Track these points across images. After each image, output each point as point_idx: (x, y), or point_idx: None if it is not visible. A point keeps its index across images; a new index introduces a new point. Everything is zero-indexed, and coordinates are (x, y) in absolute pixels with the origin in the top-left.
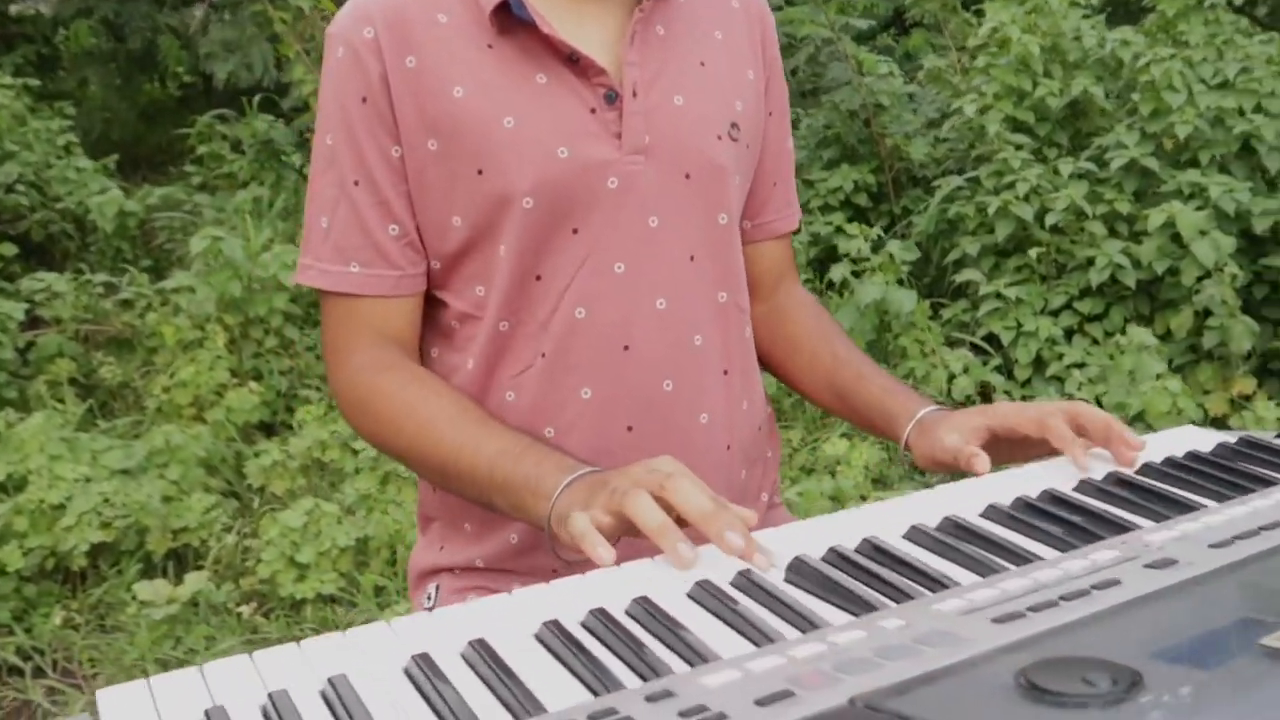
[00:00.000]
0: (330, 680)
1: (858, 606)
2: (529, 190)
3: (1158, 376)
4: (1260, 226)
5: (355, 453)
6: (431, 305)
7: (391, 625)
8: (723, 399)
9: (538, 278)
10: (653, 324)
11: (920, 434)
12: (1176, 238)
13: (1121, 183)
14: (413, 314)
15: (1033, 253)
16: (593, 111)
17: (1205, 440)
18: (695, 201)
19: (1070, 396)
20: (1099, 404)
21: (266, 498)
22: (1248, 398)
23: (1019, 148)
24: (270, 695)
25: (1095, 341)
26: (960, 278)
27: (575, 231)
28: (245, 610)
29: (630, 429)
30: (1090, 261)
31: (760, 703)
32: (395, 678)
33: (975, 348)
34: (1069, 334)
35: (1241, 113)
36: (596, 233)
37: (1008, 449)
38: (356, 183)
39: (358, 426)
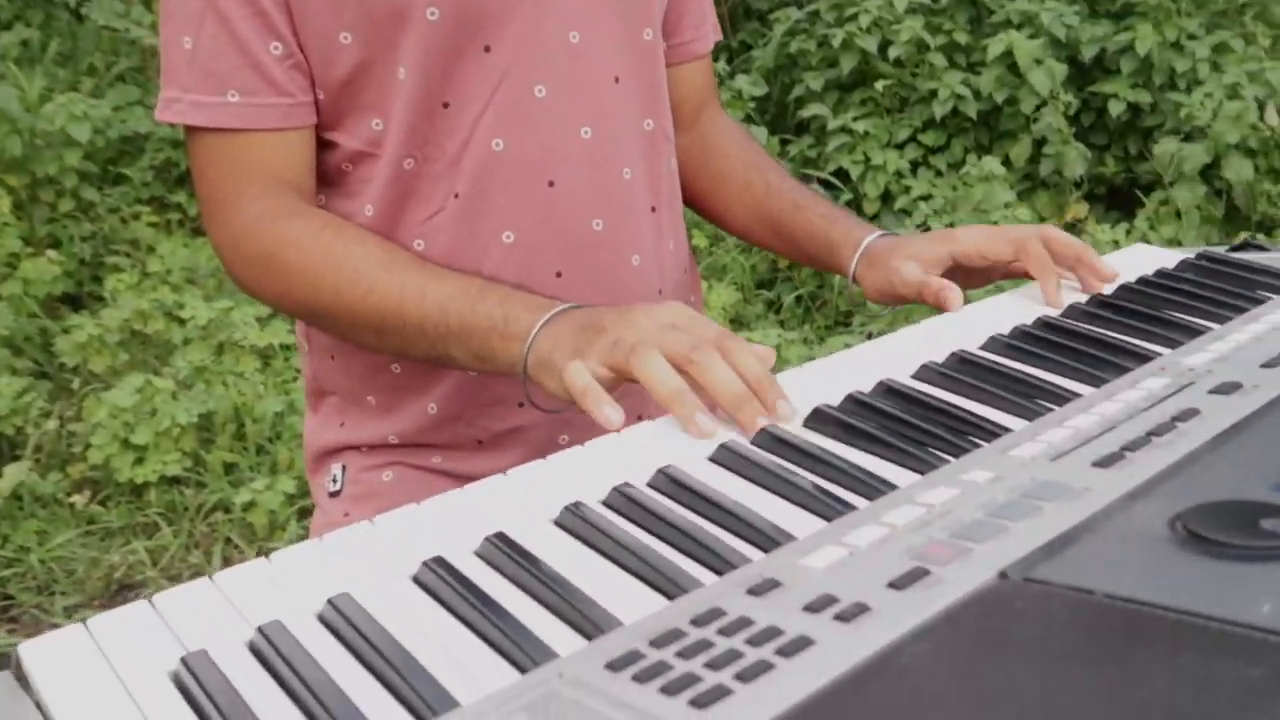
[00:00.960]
0: (330, 602)
1: (916, 461)
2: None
3: (1006, 205)
4: (1088, 54)
5: (182, 322)
6: (317, 147)
7: (374, 523)
8: (652, 238)
9: (445, 105)
10: (578, 156)
11: (869, 264)
12: (1013, 68)
13: (955, 14)
14: (307, 150)
15: (879, 85)
16: None
17: (1164, 258)
18: (618, 13)
19: (923, 227)
20: None
21: (85, 377)
22: (1081, 221)
23: None
24: (261, 630)
25: (939, 173)
26: (806, 113)
27: (487, 49)
28: (78, 500)
29: (559, 275)
30: (933, 94)
31: (896, 585)
32: (406, 592)
33: (824, 183)
34: (914, 166)
35: None
36: (512, 50)
37: (964, 278)
38: None
39: (257, 286)
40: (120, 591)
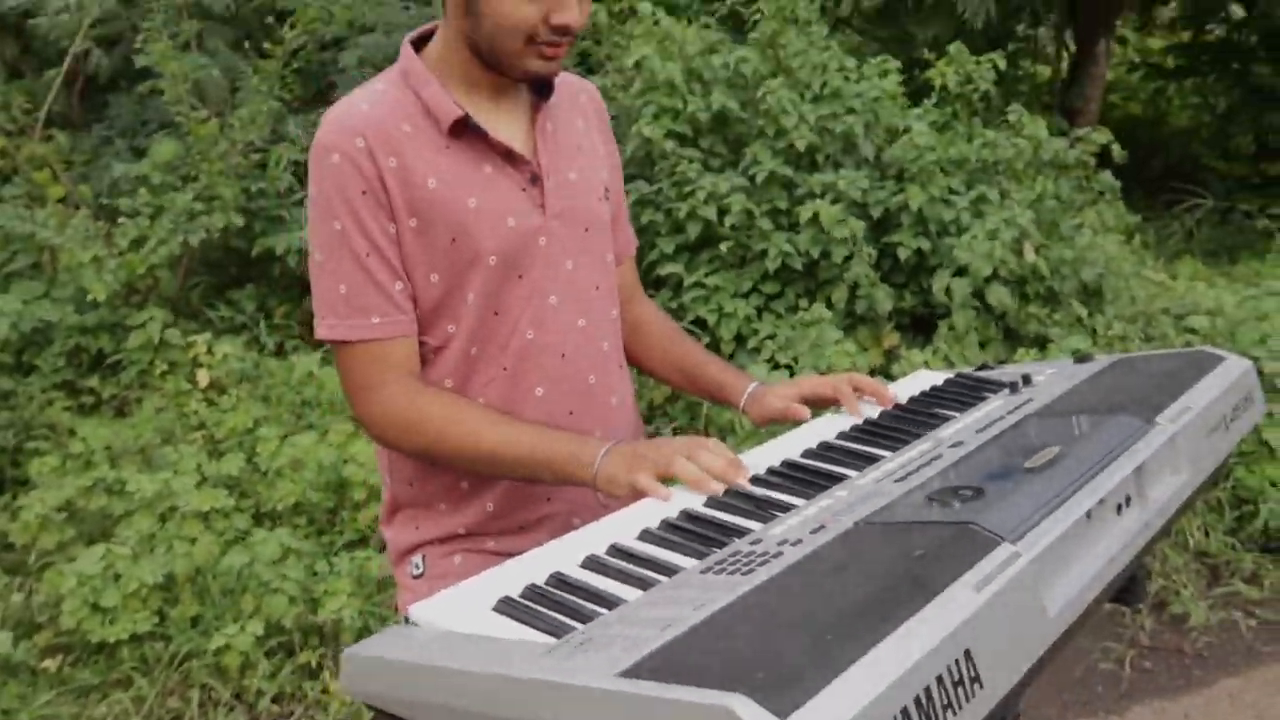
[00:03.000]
0: (555, 575)
1: (819, 485)
2: (493, 250)
3: (836, 341)
4: (876, 213)
5: (129, 495)
6: None
7: (531, 555)
8: (620, 385)
9: (495, 313)
10: (579, 337)
11: (752, 402)
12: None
13: (771, 188)
14: (415, 348)
15: (723, 246)
16: (523, 190)
17: (936, 378)
18: (594, 247)
19: (773, 363)
20: (791, 368)
21: (38, 553)
22: (895, 347)
23: (692, 161)
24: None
25: (780, 316)
26: (663, 271)
27: (521, 277)
28: (50, 664)
29: (571, 413)
30: (764, 252)
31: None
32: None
33: (686, 330)
34: (760, 311)
35: (835, 115)
36: (536, 277)
37: (810, 406)
38: (368, 254)
39: (400, 443)
40: None
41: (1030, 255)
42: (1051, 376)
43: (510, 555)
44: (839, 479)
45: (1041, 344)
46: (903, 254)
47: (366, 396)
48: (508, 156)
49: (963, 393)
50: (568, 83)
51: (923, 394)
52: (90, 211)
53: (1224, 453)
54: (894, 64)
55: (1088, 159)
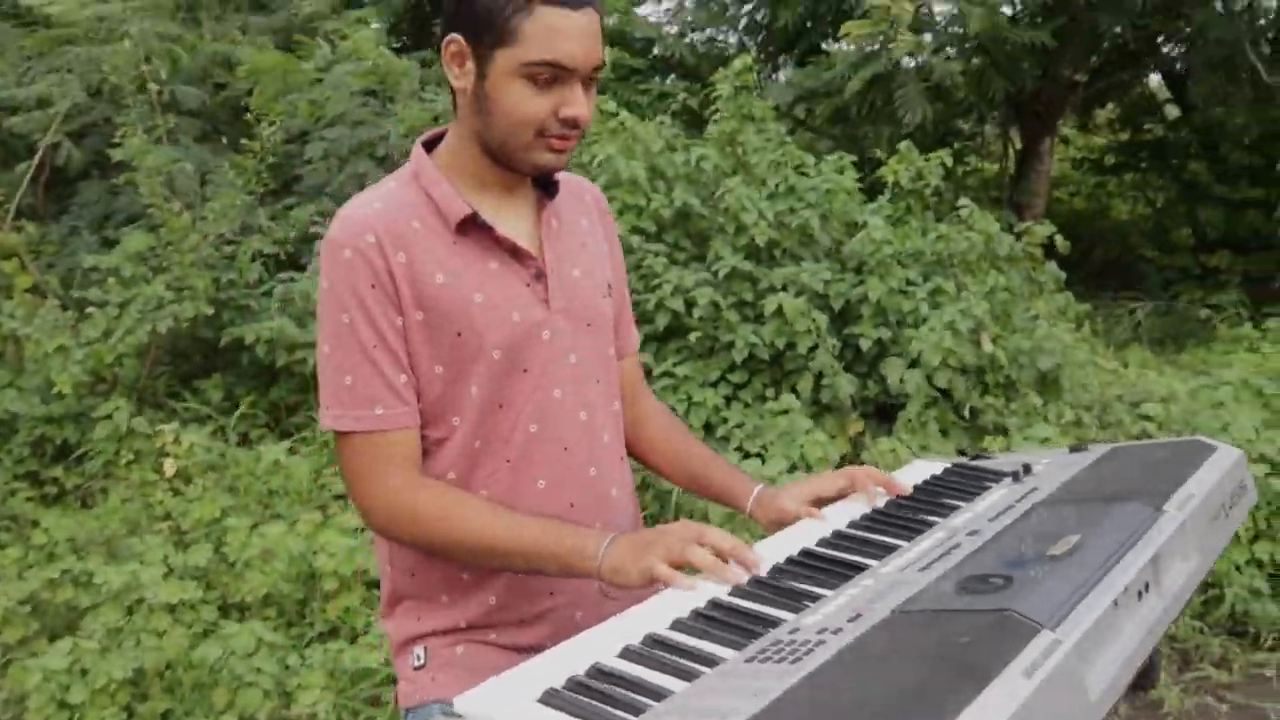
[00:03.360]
0: (595, 667)
1: (843, 574)
2: (497, 344)
3: (806, 431)
4: (837, 305)
5: (95, 587)
6: None
7: (565, 647)
8: (621, 476)
9: (499, 406)
10: (580, 430)
11: (760, 505)
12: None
13: (733, 281)
14: (418, 441)
15: (691, 336)
16: (528, 285)
17: (935, 467)
18: (596, 342)
19: (742, 451)
20: (761, 456)
21: (1, 648)
22: (861, 434)
23: (658, 255)
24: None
25: (747, 405)
26: None
27: (525, 371)
28: None
29: (572, 505)
30: (731, 343)
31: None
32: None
33: None
34: (728, 400)
35: (792, 210)
36: (541, 370)
37: (820, 504)
38: (375, 346)
39: (401, 534)
40: None
41: (988, 346)
42: (1050, 465)
43: (514, 648)
44: (861, 568)
45: (1002, 432)
46: (864, 344)
47: (369, 487)
48: (514, 252)
49: (966, 482)
50: (572, 182)
51: (926, 483)
52: (58, 301)
53: (1225, 540)
54: (849, 159)
55: (1034, 250)
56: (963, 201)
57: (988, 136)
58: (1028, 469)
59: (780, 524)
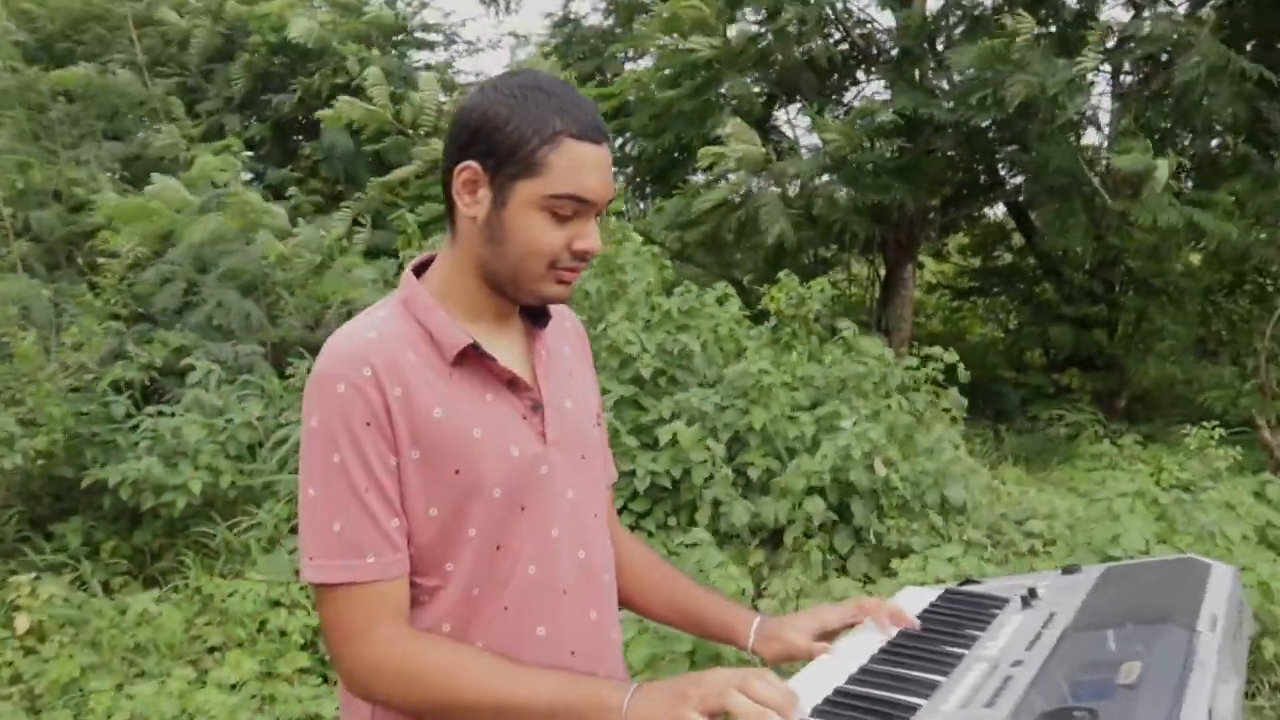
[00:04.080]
0: None
1: (896, 717)
2: (498, 482)
3: (718, 564)
4: (725, 435)
5: None
6: None
7: None
8: (615, 619)
9: (497, 548)
10: (579, 571)
11: (764, 639)
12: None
13: (624, 409)
14: (408, 591)
15: None
16: (524, 418)
17: (927, 594)
18: (590, 475)
19: None
20: None
21: None
22: (759, 565)
23: None
24: None
25: (651, 534)
26: None
27: (523, 509)
28: None
29: (573, 653)
30: (633, 472)
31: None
32: None
33: None
34: (632, 529)
35: (671, 335)
36: (539, 508)
37: (825, 638)
38: (367, 490)
39: (391, 693)
40: None
41: (881, 470)
42: (1052, 589)
43: None
44: (912, 708)
45: (904, 554)
46: (754, 473)
47: (356, 646)
48: (511, 384)
49: (972, 610)
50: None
51: (930, 612)
52: None
53: (1244, 657)
54: (730, 290)
55: (936, 375)
56: (845, 324)
57: (852, 265)
58: (1033, 593)
59: (786, 659)
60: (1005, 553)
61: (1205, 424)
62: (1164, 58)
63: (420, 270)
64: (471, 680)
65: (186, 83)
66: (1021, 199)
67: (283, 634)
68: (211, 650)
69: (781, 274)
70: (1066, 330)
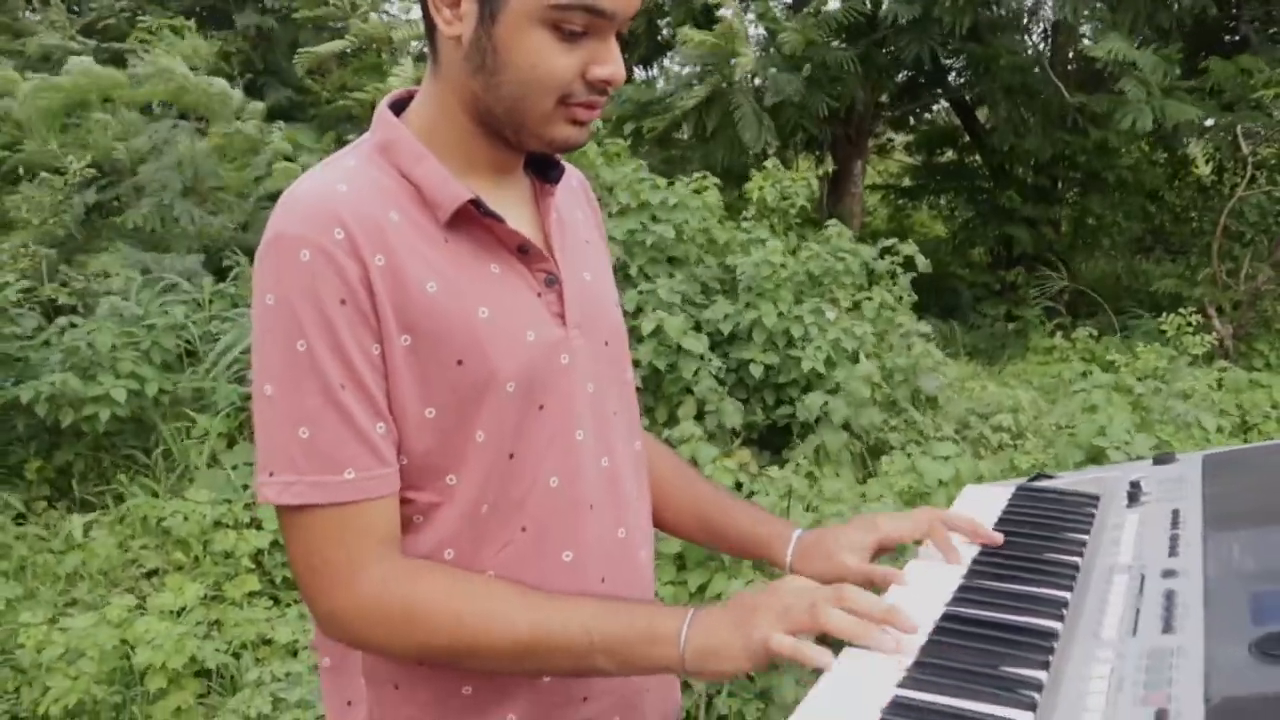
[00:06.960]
0: None
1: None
2: (513, 375)
3: (714, 459)
4: (727, 328)
5: None
6: None
7: None
8: (648, 533)
9: (511, 456)
10: (603, 482)
11: (804, 557)
12: (666, 340)
13: None
14: (397, 510)
15: None
16: (539, 295)
17: (997, 492)
18: (614, 364)
19: None
20: None
21: None
22: (746, 464)
23: None
24: None
25: None
26: None
27: (541, 408)
28: None
29: (604, 580)
30: None
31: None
32: None
33: None
34: None
35: (644, 226)
36: (560, 406)
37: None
38: (343, 385)
39: (391, 642)
40: None
41: (831, 314)
42: (1151, 480)
43: None
44: (1050, 633)
45: (880, 451)
46: (755, 370)
47: (339, 582)
48: (521, 252)
49: (1066, 511)
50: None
51: (1008, 516)
52: None
53: None
54: (712, 179)
55: (897, 269)
56: (831, 221)
57: (798, 161)
58: (1137, 487)
59: (834, 580)
60: (977, 448)
61: (1152, 315)
62: None
63: (398, 110)
64: (492, 615)
65: None
66: (968, 97)
67: (228, 555)
68: (150, 575)
69: (768, 163)
70: (1018, 229)
